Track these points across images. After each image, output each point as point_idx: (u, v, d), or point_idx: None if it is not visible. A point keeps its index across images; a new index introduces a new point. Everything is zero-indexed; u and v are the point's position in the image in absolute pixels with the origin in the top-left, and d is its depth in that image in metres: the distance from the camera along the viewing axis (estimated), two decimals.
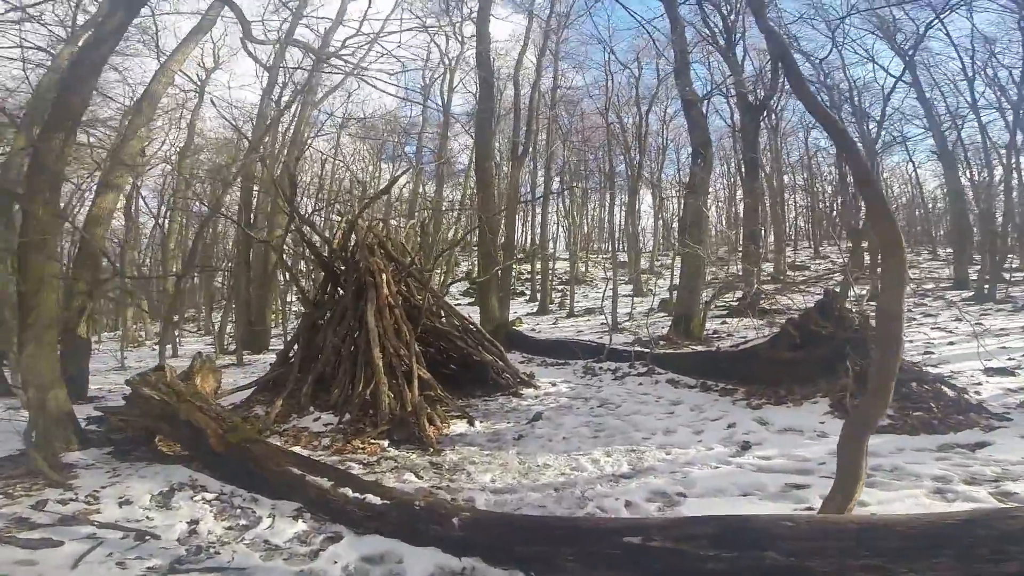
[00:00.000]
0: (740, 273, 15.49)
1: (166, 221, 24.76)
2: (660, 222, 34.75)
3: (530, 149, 20.03)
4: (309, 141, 18.66)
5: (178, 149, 21.92)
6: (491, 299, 13.01)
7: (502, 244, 15.08)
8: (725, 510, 3.27)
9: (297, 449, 5.64)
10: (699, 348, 10.63)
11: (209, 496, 4.04)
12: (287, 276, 9.72)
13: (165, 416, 5.01)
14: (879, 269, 5.00)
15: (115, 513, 3.72)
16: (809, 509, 3.68)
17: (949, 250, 23.07)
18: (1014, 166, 18.28)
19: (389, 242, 8.20)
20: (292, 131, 16.55)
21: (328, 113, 19.13)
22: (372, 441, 5.79)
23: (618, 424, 6.13)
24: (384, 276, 7.28)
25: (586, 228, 33.82)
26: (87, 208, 11.03)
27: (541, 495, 4.32)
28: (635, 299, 19.57)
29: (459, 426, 6.38)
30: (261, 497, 4.00)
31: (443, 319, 8.42)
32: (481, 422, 6.50)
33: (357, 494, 3.81)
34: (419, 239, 8.31)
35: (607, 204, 28.05)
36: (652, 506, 4.00)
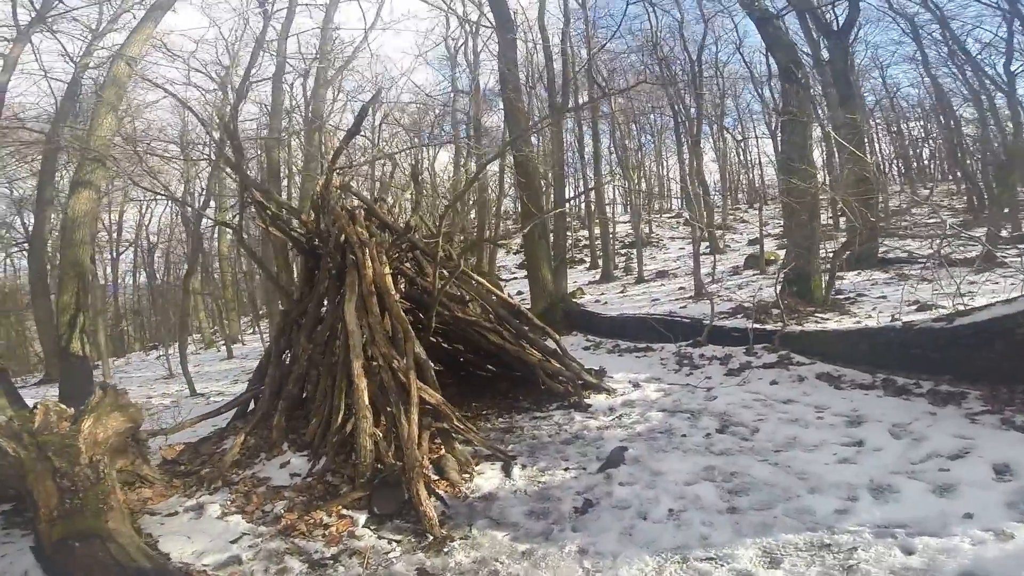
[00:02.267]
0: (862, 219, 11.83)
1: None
2: (728, 171, 30.28)
3: (569, 101, 16.67)
4: (329, 117, 16.40)
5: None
6: (542, 268, 10.40)
7: (551, 203, 12.32)
8: None
9: (235, 520, 3.56)
10: (833, 319, 7.54)
11: None
12: (254, 262, 7.61)
13: (20, 479, 3.40)
14: None
15: None
16: None
17: None
18: None
19: (383, 204, 5.75)
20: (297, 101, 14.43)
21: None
22: (344, 512, 3.49)
23: (769, 475, 3.41)
24: (368, 251, 4.86)
25: (645, 186, 30.05)
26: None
27: None
28: (715, 257, 16.22)
29: (488, 475, 3.93)
30: None
31: (470, 304, 5.94)
32: (524, 466, 4.01)
33: None
34: (413, 195, 5.78)
35: (675, 149, 24.24)
36: None
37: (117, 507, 3.12)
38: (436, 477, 3.86)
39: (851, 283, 10.23)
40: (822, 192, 10.71)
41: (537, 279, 10.43)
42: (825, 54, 14.55)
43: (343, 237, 5.21)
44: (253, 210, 5.96)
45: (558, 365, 5.58)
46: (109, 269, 26.24)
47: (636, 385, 5.74)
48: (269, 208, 5.69)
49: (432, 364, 6.86)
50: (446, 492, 3.70)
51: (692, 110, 19.20)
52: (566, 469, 3.87)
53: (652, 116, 26.34)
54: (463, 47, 18.40)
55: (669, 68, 19.08)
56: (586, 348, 8.62)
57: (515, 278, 19.79)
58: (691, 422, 4.48)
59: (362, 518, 3.43)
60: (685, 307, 10.79)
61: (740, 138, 28.14)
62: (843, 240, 9.91)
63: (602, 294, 15.02)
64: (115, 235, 25.30)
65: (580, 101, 19.18)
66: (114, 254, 25.80)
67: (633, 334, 8.29)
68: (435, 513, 3.24)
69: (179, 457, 4.96)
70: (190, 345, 22.84)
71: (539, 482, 3.74)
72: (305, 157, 14.15)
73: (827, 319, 7.77)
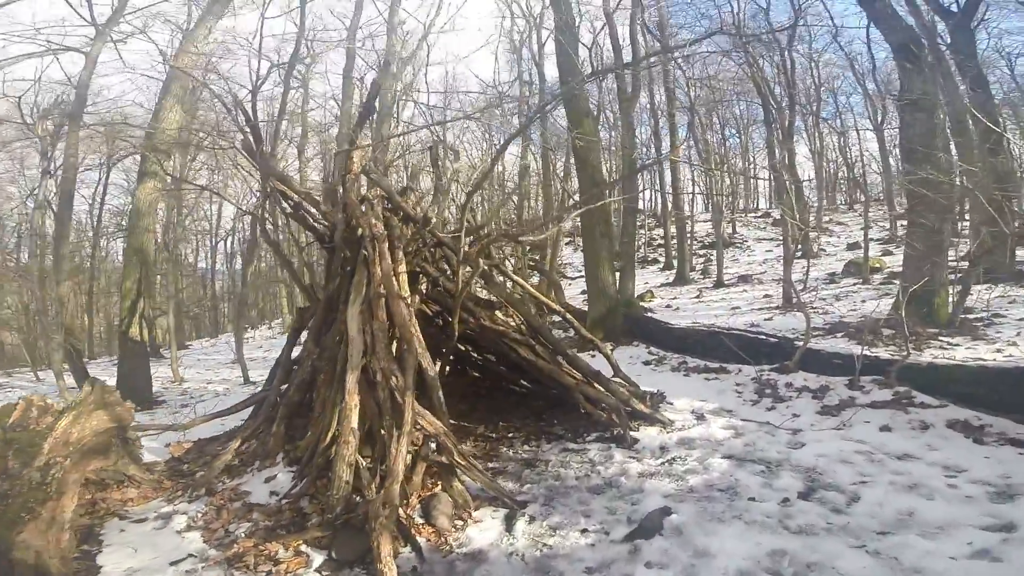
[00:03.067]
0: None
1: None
2: (825, 169, 26.71)
3: (640, 89, 14.99)
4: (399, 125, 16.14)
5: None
6: (603, 268, 9.34)
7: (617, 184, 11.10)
8: None
9: (193, 537, 3.26)
10: (964, 345, 5.95)
11: None
12: (278, 256, 7.20)
13: None
14: None
15: None
16: None
17: None
18: None
19: (412, 194, 5.10)
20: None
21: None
22: (303, 548, 2.92)
23: (864, 571, 2.35)
24: (380, 246, 4.23)
25: (728, 182, 27.40)
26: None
27: None
28: (808, 262, 14.13)
29: (486, 524, 3.17)
30: None
31: (501, 309, 5.15)
32: (533, 518, 3.18)
33: None
34: (433, 181, 5.08)
35: (764, 144, 21.83)
36: None
37: (48, 516, 2.83)
38: (421, 520, 3.15)
39: (980, 299, 8.31)
40: (957, 187, 8.75)
41: (596, 279, 9.40)
42: (938, 42, 12.33)
43: (358, 227, 4.64)
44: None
45: (600, 390, 4.64)
46: (209, 256, 28.47)
47: (700, 417, 4.66)
48: (292, 197, 5.27)
49: (469, 371, 6.33)
50: (429, 540, 2.98)
51: (783, 101, 16.94)
52: (584, 531, 2.99)
53: (737, 108, 23.88)
54: (527, 40, 17.52)
55: (754, 60, 16.83)
56: (647, 363, 7.52)
57: (581, 276, 18.83)
58: (765, 478, 3.40)
59: (319, 559, 2.82)
60: (770, 319, 9.33)
61: (840, 131, 24.92)
62: (972, 248, 8.00)
63: (674, 298, 13.67)
64: (215, 224, 27.23)
65: (652, 91, 17.52)
66: (212, 242, 27.85)
67: (704, 350, 7.07)
68: (395, 573, 2.51)
69: (185, 456, 4.83)
70: (270, 329, 24.03)
71: (545, 545, 2.89)
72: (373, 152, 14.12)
73: (955, 345, 6.19)
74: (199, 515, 3.53)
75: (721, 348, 6.53)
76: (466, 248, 4.49)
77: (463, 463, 3.39)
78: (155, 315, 15.57)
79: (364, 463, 3.36)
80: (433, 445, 3.63)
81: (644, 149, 22.21)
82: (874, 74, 18.39)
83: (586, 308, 9.88)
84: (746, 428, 4.28)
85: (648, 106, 19.62)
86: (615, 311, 9.23)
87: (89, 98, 11.17)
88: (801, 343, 5.44)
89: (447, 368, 6.09)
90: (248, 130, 4.97)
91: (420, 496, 3.34)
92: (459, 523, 3.17)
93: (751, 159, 29.21)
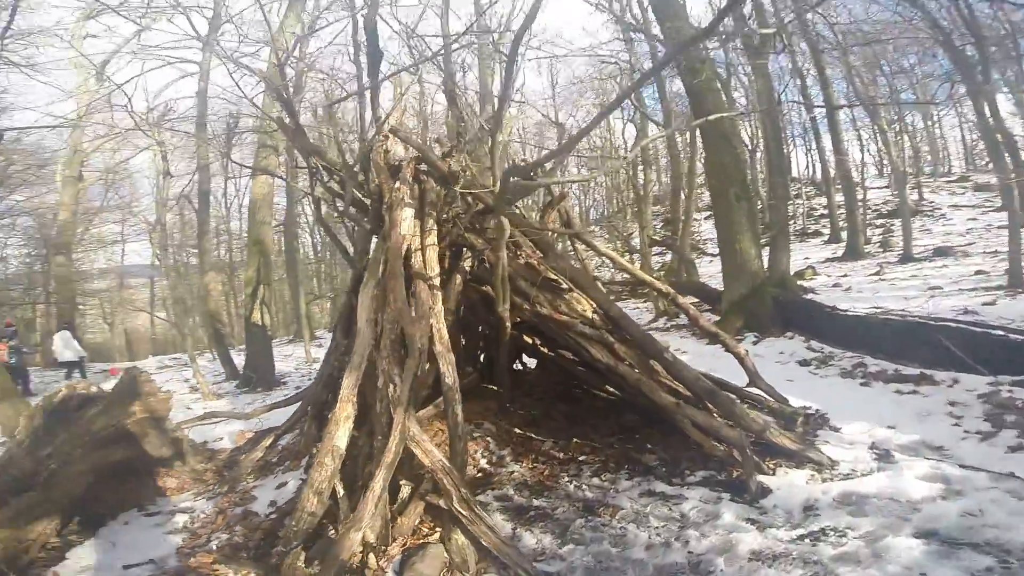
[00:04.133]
0: None
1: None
2: None
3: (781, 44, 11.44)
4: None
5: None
6: (742, 239, 7.38)
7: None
8: None
9: (173, 541, 2.99)
10: None
11: None
12: (329, 235, 6.62)
13: None
14: None
15: None
16: None
17: None
18: None
19: (461, 155, 4.07)
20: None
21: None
22: None
23: None
24: (392, 214, 3.32)
25: (907, 143, 21.59)
26: None
27: None
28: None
29: None
30: None
31: (568, 294, 3.87)
32: None
33: None
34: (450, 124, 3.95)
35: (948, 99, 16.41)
36: None
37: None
38: None
39: None
40: None
41: (733, 253, 7.47)
42: None
43: (385, 194, 3.79)
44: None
45: (716, 419, 3.15)
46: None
47: (883, 456, 2.94)
48: (337, 173, 4.65)
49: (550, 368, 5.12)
50: None
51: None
52: None
53: (906, 60, 18.48)
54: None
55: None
56: (804, 363, 5.62)
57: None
58: None
59: None
60: (991, 303, 6.54)
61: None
62: None
63: (844, 276, 10.80)
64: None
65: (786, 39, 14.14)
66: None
67: (895, 348, 4.96)
68: None
69: (244, 446, 4.64)
70: None
71: None
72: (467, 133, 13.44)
73: None
74: (201, 516, 3.27)
75: (924, 346, 4.46)
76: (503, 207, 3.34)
77: (466, 513, 2.30)
78: (309, 300, 17.15)
79: (341, 491, 2.49)
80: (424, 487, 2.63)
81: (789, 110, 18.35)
82: None
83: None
84: (968, 482, 2.50)
85: (790, 66, 16.04)
86: (760, 293, 7.25)
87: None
88: None
89: (523, 362, 5.06)
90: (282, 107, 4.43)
91: (407, 544, 2.36)
92: None
93: (935, 116, 22.94)
